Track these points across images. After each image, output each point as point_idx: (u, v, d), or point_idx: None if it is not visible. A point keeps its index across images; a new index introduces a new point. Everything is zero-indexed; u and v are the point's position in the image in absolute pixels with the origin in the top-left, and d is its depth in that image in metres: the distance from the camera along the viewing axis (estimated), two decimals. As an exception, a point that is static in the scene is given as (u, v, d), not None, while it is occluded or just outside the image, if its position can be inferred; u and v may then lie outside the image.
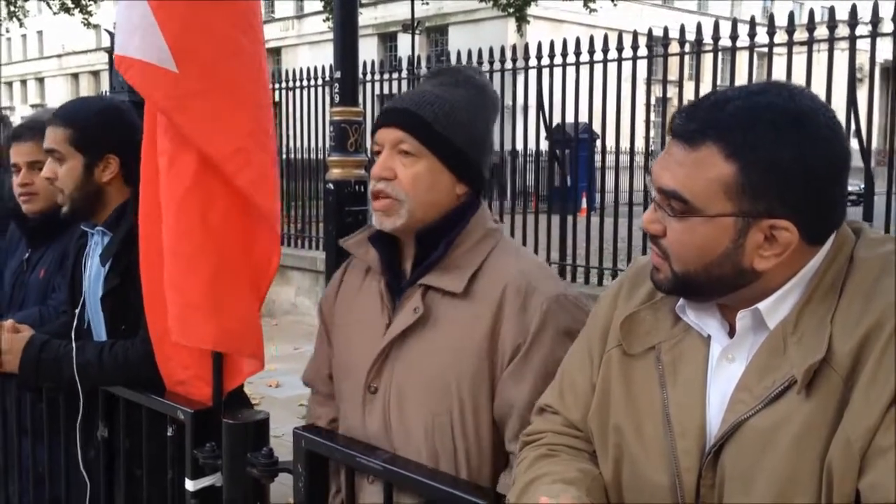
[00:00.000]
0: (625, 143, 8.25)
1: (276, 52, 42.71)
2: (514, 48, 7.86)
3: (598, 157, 7.67)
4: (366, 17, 32.66)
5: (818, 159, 1.11)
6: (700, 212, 1.14)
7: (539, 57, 7.50)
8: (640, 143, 7.97)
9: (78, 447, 2.21)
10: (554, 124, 7.93)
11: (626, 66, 6.98)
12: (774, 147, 1.11)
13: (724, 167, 1.12)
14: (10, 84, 56.85)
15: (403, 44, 28.95)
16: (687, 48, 6.54)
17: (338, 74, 6.16)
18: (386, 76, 9.05)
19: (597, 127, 7.29)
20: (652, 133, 7.45)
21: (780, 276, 1.16)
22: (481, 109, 1.77)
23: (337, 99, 6.18)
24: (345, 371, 1.82)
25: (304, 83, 9.72)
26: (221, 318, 1.92)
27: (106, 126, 2.28)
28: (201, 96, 1.85)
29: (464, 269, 1.68)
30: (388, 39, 38.13)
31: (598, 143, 7.52)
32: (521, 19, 24.23)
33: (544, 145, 8.72)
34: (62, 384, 2.19)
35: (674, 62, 6.75)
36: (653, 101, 7.25)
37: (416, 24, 25.69)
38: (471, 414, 1.64)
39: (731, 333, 1.22)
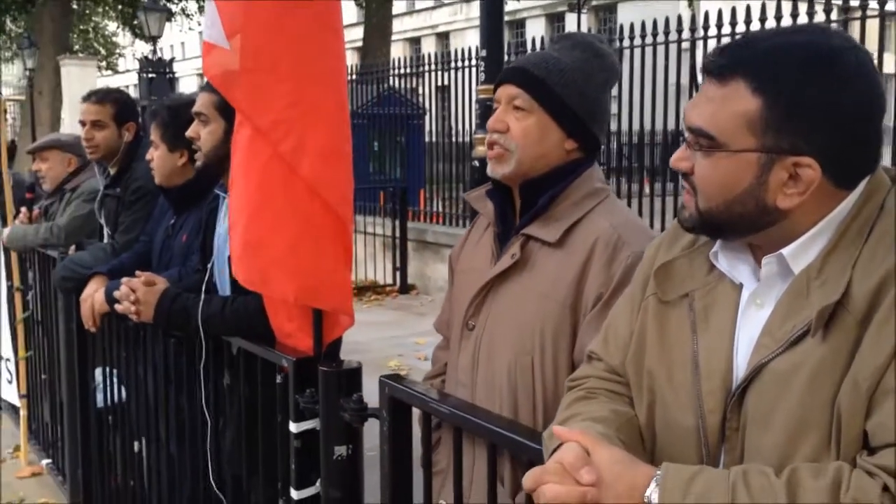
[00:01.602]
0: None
1: (444, 36, 43.31)
2: (681, 19, 7.63)
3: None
4: (533, -3, 32.54)
5: (847, 99, 1.10)
6: (725, 147, 1.14)
7: (702, 28, 7.26)
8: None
9: (202, 389, 2.44)
10: None
11: None
12: (802, 83, 1.10)
13: (750, 101, 1.12)
14: (201, 75, 60.46)
15: (571, 23, 28.63)
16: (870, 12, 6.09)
17: (483, 53, 6.25)
18: None
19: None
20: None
21: (807, 219, 1.15)
22: (596, 72, 1.86)
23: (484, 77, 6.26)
24: (454, 313, 1.97)
25: (459, 64, 9.88)
26: (302, 275, 2.06)
27: None
28: (248, 72, 2.00)
29: (562, 222, 1.79)
30: (555, 19, 37.83)
31: None
32: (693, -8, 23.43)
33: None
34: (190, 332, 2.43)
35: (870, 29, 6.25)
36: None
37: (581, 3, 25.38)
38: (550, 358, 1.74)
39: None
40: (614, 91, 2.18)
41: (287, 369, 2.08)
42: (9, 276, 4.76)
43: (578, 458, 1.13)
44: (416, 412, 1.77)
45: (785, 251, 1.16)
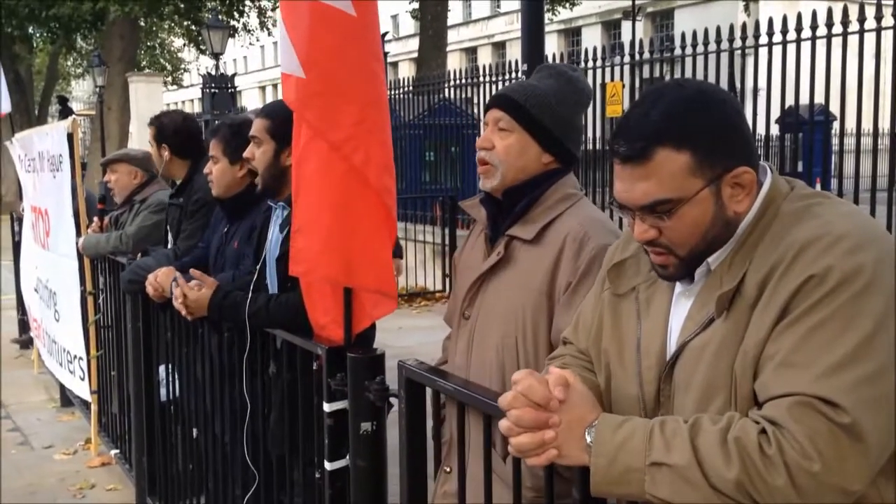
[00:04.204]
0: (866, 126, 7.46)
1: (500, 46, 43.57)
2: (737, 26, 7.72)
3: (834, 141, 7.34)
4: (588, 5, 32.61)
5: (728, 116, 1.39)
6: (684, 200, 1.37)
7: (766, 34, 7.29)
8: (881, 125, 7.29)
9: (245, 378, 2.75)
10: (786, 106, 7.73)
11: (866, 43, 6.68)
12: (702, 122, 1.36)
13: (680, 158, 1.36)
14: (262, 88, 62.07)
15: (627, 30, 28.70)
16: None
17: (524, 67, 6.49)
18: (607, 63, 9.23)
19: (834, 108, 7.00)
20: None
21: (747, 212, 1.41)
22: (568, 95, 2.16)
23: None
24: (454, 305, 2.26)
25: (508, 76, 10.13)
26: (377, 267, 2.38)
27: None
28: (320, 96, 2.29)
29: (538, 222, 2.08)
30: (611, 27, 37.80)
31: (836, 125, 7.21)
32: (750, -3, 23.28)
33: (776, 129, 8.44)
34: (239, 325, 2.74)
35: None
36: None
37: (636, 11, 25.42)
38: (531, 337, 2.03)
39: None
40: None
41: (321, 357, 2.37)
42: (82, 282, 5.15)
43: (561, 378, 1.40)
44: (428, 391, 2.03)
45: (710, 259, 1.42)
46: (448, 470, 2.14)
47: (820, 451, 1.17)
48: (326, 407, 2.33)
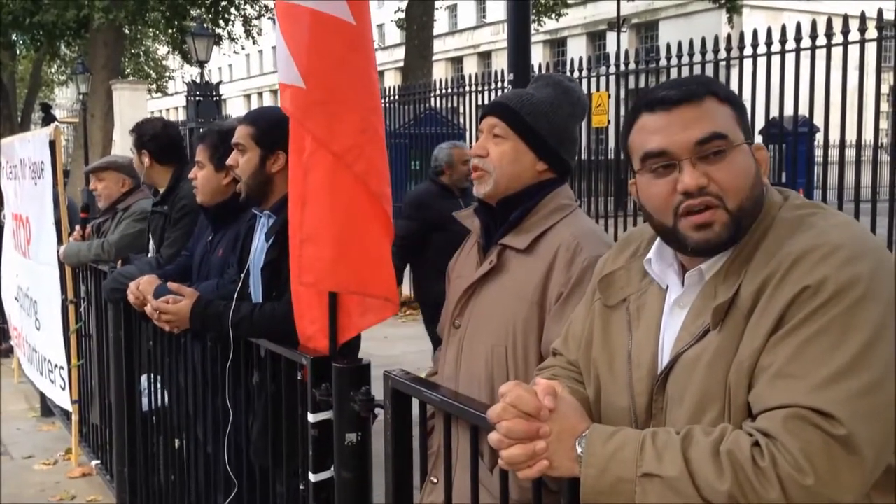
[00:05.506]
0: (849, 137, 7.41)
1: (486, 56, 43.70)
2: (721, 38, 7.75)
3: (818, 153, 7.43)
4: (574, 16, 32.74)
5: None
6: (734, 142, 1.38)
7: (750, 46, 7.34)
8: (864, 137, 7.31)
9: (227, 387, 2.71)
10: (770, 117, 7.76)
11: (849, 55, 6.75)
12: (731, 93, 1.43)
13: (725, 108, 1.40)
14: (248, 96, 61.95)
15: (612, 41, 28.83)
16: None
17: (510, 77, 6.49)
18: (592, 73, 9.27)
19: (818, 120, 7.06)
20: (883, 125, 7.05)
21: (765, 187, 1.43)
22: (563, 105, 2.16)
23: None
24: (445, 315, 2.25)
25: (494, 85, 10.15)
26: (383, 273, 2.35)
27: (279, 127, 2.70)
28: (322, 105, 2.27)
29: (531, 232, 2.07)
30: (596, 38, 37.99)
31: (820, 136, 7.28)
32: (733, 10, 23.43)
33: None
34: (222, 335, 2.70)
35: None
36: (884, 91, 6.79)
37: (621, 22, 25.57)
38: (521, 347, 2.01)
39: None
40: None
41: (306, 367, 2.34)
42: (63, 290, 5.10)
43: (549, 388, 1.38)
44: (414, 401, 2.00)
45: (703, 266, 1.41)
46: (434, 481, 2.12)
47: (813, 464, 1.16)
48: (311, 417, 2.30)
